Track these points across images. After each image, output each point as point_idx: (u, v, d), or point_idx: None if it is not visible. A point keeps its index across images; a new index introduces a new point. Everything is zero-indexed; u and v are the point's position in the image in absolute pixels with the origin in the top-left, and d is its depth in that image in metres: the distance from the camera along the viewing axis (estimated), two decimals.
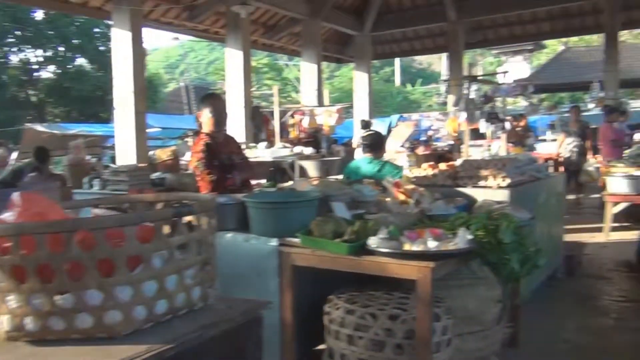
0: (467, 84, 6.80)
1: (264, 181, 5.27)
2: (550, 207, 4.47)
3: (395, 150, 11.66)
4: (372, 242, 2.51)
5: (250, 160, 4.79)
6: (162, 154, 7.44)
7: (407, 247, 2.46)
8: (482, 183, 3.80)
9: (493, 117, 7.22)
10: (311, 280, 2.94)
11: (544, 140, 11.83)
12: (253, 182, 4.73)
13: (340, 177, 4.85)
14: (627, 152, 7.91)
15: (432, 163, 4.33)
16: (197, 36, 16.04)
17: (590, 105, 22.91)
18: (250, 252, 2.90)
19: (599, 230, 6.53)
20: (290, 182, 4.13)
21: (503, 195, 3.64)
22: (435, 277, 2.39)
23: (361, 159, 4.67)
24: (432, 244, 2.42)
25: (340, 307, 2.71)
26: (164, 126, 17.75)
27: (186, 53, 45.37)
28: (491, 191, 3.72)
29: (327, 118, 13.54)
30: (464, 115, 6.82)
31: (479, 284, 2.99)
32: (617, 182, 6.16)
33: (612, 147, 8.74)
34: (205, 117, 3.86)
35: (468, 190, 3.82)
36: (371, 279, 2.70)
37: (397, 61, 38.04)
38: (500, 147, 8.13)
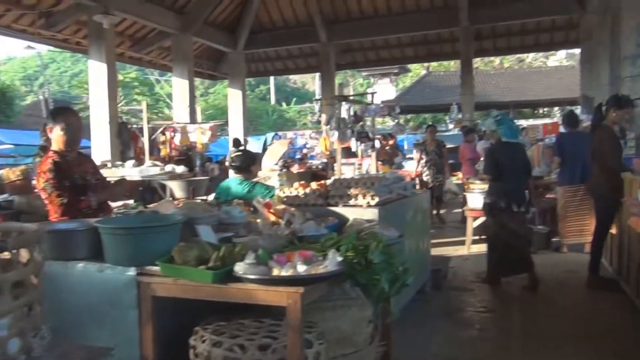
0: (339, 104, 6.92)
1: (131, 202, 4.89)
2: (417, 223, 4.62)
3: (270, 169, 11.59)
4: (239, 268, 2.35)
5: (112, 180, 4.39)
6: (11, 174, 6.69)
7: (276, 272, 2.33)
8: (352, 202, 3.81)
9: (363, 136, 7.44)
10: (175, 311, 2.70)
11: (411, 159, 12.47)
12: (119, 203, 4.36)
13: (211, 197, 4.64)
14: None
15: (303, 182, 4.27)
16: (55, 46, 14.87)
17: (450, 126, 24.83)
18: (106, 284, 2.60)
19: (462, 243, 6.93)
20: (155, 204, 3.84)
21: (372, 214, 3.67)
22: (305, 302, 2.28)
23: (232, 179, 4.50)
24: (301, 268, 2.31)
25: (207, 339, 2.50)
26: (17, 143, 16.18)
27: (46, 64, 41.99)
28: (361, 210, 3.73)
29: (200, 135, 13.17)
30: (336, 134, 6.92)
31: (351, 305, 2.94)
32: (475, 198, 6.58)
33: (470, 165, 9.43)
34: (56, 133, 3.46)
35: (339, 209, 3.81)
36: (242, 305, 2.53)
37: (271, 80, 38.34)
38: (370, 165, 8.39)
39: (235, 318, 2.68)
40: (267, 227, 3.15)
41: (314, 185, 4.08)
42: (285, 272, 2.31)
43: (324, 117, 11.55)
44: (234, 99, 17.48)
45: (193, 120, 14.05)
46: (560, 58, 35.05)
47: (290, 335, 2.29)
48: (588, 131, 7.04)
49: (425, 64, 30.88)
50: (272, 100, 39.00)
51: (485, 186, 5.84)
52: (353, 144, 8.29)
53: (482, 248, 6.72)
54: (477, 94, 26.57)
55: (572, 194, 6.43)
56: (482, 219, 6.72)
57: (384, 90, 33.29)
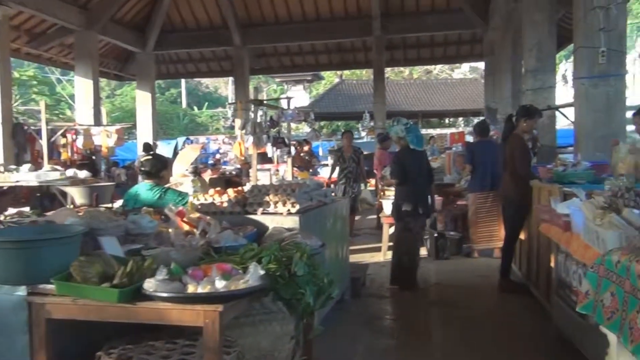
0: (254, 108, 6.72)
1: (27, 209, 4.40)
2: (337, 231, 4.53)
3: (181, 174, 11.12)
4: (149, 285, 2.10)
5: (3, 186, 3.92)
6: None
7: (192, 288, 2.11)
8: (271, 209, 3.64)
9: (279, 142, 7.28)
10: (75, 335, 2.40)
11: (327, 165, 12.48)
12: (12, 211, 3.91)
13: (118, 205, 4.27)
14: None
15: (219, 189, 4.03)
16: None
17: (363, 134, 25.32)
18: None
19: (378, 250, 6.96)
20: (51, 213, 3.45)
21: (293, 222, 3.51)
22: (224, 321, 2.08)
23: (141, 185, 4.17)
24: (220, 284, 2.11)
25: None
26: None
27: None
28: (281, 218, 3.57)
29: (105, 138, 12.44)
30: (251, 139, 6.70)
31: (272, 320, 2.76)
32: (390, 205, 6.64)
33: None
34: None
35: (258, 217, 3.62)
36: (152, 325, 2.28)
37: (183, 83, 37.29)
38: (286, 171, 8.24)
39: (145, 339, 2.42)
40: (180, 238, 2.91)
41: (231, 192, 3.86)
42: (202, 289, 2.10)
43: (238, 122, 11.27)
44: (142, 101, 16.70)
45: (98, 122, 13.24)
46: (464, 71, 36.90)
47: (207, 358, 2.08)
48: (497, 140, 7.37)
49: (339, 72, 31.30)
50: (184, 104, 37.91)
51: None
52: (269, 150, 8.10)
53: None
54: (388, 103, 27.38)
55: (483, 201, 6.64)
56: None
57: (298, 96, 33.43)
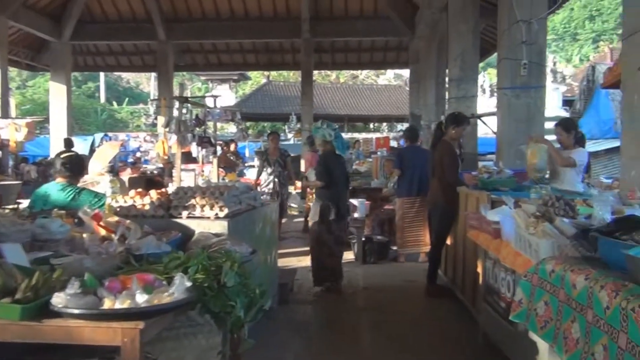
0: (178, 105, 6.41)
1: None
2: (266, 236, 4.36)
3: (97, 173, 10.54)
4: (58, 300, 1.86)
5: None
6: None
7: (108, 303, 1.88)
8: (198, 213, 3.41)
9: (205, 141, 6.99)
10: None
11: (252, 167, 12.25)
12: None
13: (24, 206, 3.88)
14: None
15: (140, 190, 3.75)
16: None
17: (290, 135, 25.24)
18: None
19: (305, 254, 6.82)
20: None
21: (221, 227, 3.31)
22: (145, 339, 1.87)
23: (51, 185, 3.80)
24: (141, 298, 1.90)
25: None
26: None
27: None
28: (208, 222, 3.36)
29: (13, 132, 11.54)
30: (174, 137, 6.40)
31: (197, 333, 2.55)
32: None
33: None
34: None
35: (183, 222, 3.39)
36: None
37: (102, 76, 35.62)
38: (211, 171, 7.95)
39: (56, 358, 2.15)
40: (96, 244, 2.64)
41: (153, 193, 3.59)
42: (120, 304, 1.87)
43: (161, 119, 10.82)
44: (56, 93, 15.67)
45: (5, 114, 12.28)
46: (389, 78, 37.76)
47: None
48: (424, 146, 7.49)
49: (266, 73, 31.07)
50: (102, 99, 36.19)
51: None
52: (194, 149, 7.79)
53: None
54: (314, 105, 27.47)
55: (410, 206, 6.70)
56: None
57: (224, 96, 32.84)
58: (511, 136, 6.20)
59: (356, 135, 24.13)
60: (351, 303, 5.25)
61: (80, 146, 15.19)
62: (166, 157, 9.16)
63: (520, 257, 2.87)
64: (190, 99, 6.79)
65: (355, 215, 6.48)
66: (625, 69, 4.06)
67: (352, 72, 36.77)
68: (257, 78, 35.40)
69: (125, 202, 3.56)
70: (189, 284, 2.04)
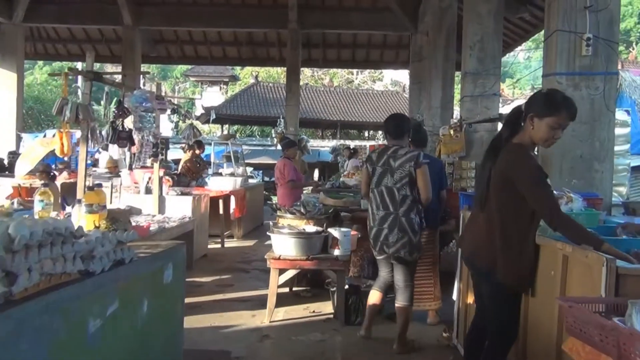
0: (83, 83, 4.41)
1: None
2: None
3: (25, 175, 8.61)
4: None
5: None
6: None
7: None
8: None
9: (123, 137, 4.93)
10: None
11: (219, 174, 10.23)
12: None
13: None
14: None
15: None
16: None
17: (276, 140, 23.20)
18: None
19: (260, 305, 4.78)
20: None
21: None
22: None
23: None
24: None
25: None
26: None
27: None
28: None
29: None
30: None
31: None
32: (283, 241, 4.55)
33: (289, 188, 7.36)
34: None
35: None
36: None
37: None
38: (151, 180, 5.94)
39: None
40: None
41: None
42: None
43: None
44: (5, 83, 13.63)
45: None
46: (386, 84, 35.86)
47: None
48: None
49: (254, 73, 29.12)
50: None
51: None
52: (114, 151, 5.76)
53: (295, 315, 4.64)
54: (305, 109, 25.50)
55: None
56: (292, 272, 4.66)
57: (212, 98, 30.87)
58: (565, 144, 4.19)
59: (349, 142, 22.07)
60: None
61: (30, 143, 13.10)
62: (67, 160, 7.03)
63: None
64: (104, 75, 4.74)
65: (336, 252, 4.43)
66: None
67: (347, 76, 34.89)
68: (246, 79, 33.46)
69: None
70: None
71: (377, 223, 3.85)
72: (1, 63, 13.71)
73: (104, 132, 4.92)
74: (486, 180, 2.63)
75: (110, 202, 5.92)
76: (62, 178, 8.82)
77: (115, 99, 4.90)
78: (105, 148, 6.32)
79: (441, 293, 4.55)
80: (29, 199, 8.01)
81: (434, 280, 4.46)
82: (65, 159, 6.87)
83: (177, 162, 11.68)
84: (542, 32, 5.76)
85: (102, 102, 4.95)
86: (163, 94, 6.08)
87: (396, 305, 3.89)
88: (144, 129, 4.96)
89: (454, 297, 4.02)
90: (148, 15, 13.59)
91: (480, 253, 2.67)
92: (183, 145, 10.22)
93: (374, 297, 4.04)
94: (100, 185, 3.09)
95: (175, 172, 9.31)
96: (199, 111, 24.15)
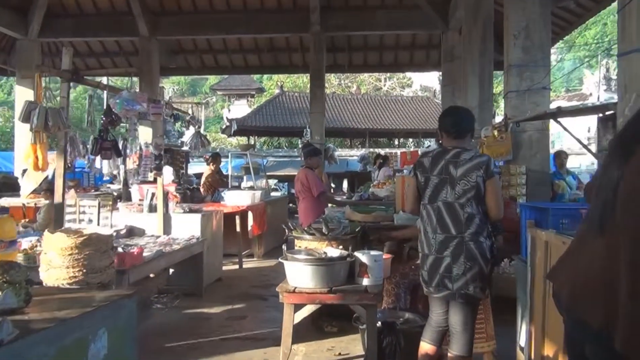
0: (61, 86, 3.71)
1: None
2: None
3: (30, 195, 8.03)
4: None
5: None
6: None
7: None
8: None
9: (106, 148, 4.18)
10: None
11: (238, 188, 9.48)
12: None
13: None
14: None
15: None
16: None
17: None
18: None
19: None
20: None
21: None
22: None
23: None
24: None
25: None
26: None
27: None
28: None
29: None
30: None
31: None
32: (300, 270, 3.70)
33: (315, 202, 6.47)
34: None
35: None
36: None
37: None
38: (155, 196, 5.20)
39: None
40: None
41: None
42: None
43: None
44: (23, 99, 13.20)
45: None
46: (415, 90, 34.86)
47: None
48: None
49: (279, 82, 28.50)
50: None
51: None
52: (105, 165, 5.02)
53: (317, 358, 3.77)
54: (332, 118, 24.69)
55: None
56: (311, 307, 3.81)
57: (240, 111, 30.50)
58: None
59: (379, 150, 21.09)
60: None
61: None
62: (44, 177, 6.25)
63: None
64: (85, 78, 4.02)
65: (365, 282, 3.56)
66: None
67: (374, 83, 34.02)
68: (272, 90, 32.94)
69: None
70: None
71: (434, 250, 2.96)
72: (19, 80, 13.38)
73: (78, 141, 4.20)
74: (612, 189, 1.64)
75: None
76: (71, 196, 8.20)
77: (106, 104, 4.15)
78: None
79: (494, 330, 3.63)
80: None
81: (485, 315, 3.55)
82: (41, 174, 6.16)
83: (198, 176, 11.01)
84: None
85: (87, 108, 4.27)
86: (167, 99, 5.35)
87: (449, 355, 3.00)
88: (137, 139, 4.22)
89: (522, 342, 3.09)
90: (165, 25, 13.05)
91: (590, 299, 1.68)
92: (207, 156, 9.48)
93: (427, 349, 3.15)
94: (6, 211, 2.31)
95: (195, 187, 8.61)
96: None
